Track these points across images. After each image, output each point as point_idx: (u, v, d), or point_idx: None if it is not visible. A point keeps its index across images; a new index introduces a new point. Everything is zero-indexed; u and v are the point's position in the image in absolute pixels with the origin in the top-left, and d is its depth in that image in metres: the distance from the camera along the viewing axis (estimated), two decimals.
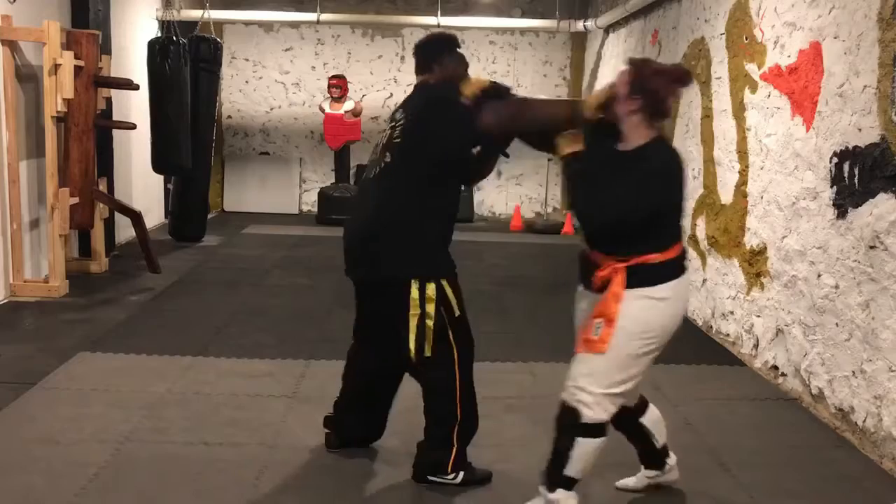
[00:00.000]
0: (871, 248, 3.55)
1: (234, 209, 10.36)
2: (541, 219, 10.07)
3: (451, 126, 3.07)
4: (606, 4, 8.69)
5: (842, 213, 3.82)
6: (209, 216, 8.77)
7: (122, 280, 6.37)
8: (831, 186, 3.92)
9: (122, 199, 7.03)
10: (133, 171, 8.06)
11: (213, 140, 8.37)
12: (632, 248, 2.72)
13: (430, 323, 3.03)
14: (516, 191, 10.65)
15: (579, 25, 9.34)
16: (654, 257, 2.72)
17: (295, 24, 10.14)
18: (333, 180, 10.02)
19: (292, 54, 10.40)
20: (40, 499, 2.94)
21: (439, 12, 9.29)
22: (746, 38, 4.99)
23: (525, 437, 3.63)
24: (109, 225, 6.97)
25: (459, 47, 3.36)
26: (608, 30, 8.86)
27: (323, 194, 9.82)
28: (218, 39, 8.13)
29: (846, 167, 3.79)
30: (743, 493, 3.20)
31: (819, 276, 4.00)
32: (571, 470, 2.78)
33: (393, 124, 3.18)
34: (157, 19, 8.28)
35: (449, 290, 3.07)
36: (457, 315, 3.10)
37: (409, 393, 4.12)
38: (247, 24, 10.14)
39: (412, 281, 3.01)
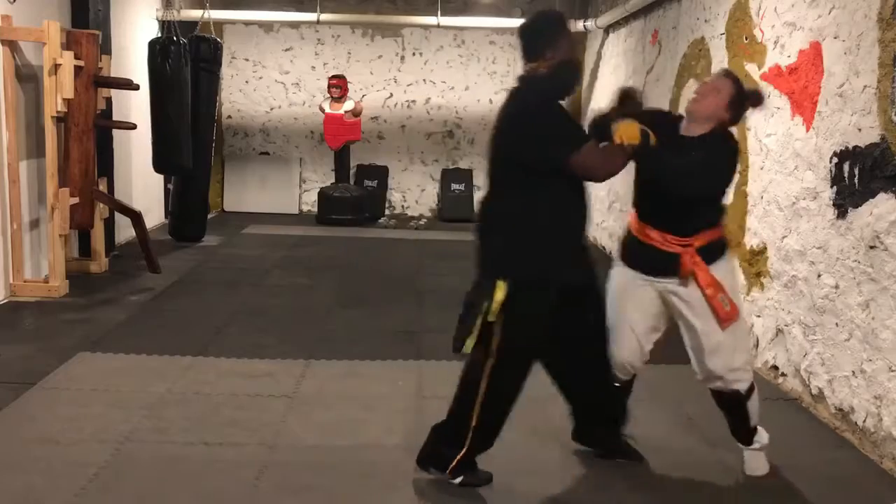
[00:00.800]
0: (871, 248, 3.55)
1: (234, 209, 10.36)
2: None
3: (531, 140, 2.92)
4: (606, 4, 8.68)
5: (842, 213, 3.82)
6: (209, 216, 8.77)
7: (122, 280, 6.37)
8: (831, 186, 3.92)
9: (122, 199, 7.03)
10: (133, 171, 8.06)
11: (213, 140, 8.37)
12: (699, 222, 3.06)
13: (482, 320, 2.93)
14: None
15: (579, 25, 9.33)
16: (716, 234, 3.10)
17: (295, 24, 10.14)
18: (333, 180, 10.02)
19: (292, 54, 10.40)
20: (40, 499, 2.94)
21: (439, 12, 9.28)
22: (746, 38, 4.99)
23: (526, 437, 3.62)
24: (109, 225, 6.96)
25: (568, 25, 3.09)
26: (608, 30, 8.86)
27: (323, 194, 9.82)
28: (218, 39, 8.13)
29: (846, 167, 3.79)
30: (743, 493, 3.20)
31: (819, 276, 4.00)
32: (754, 421, 3.26)
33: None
34: (157, 19, 8.27)
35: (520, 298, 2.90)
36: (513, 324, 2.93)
37: (409, 393, 4.13)
38: (247, 24, 10.13)
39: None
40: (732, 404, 3.22)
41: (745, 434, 3.29)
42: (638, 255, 3.16)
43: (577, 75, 3.07)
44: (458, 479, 3.09)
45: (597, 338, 3.23)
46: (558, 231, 2.99)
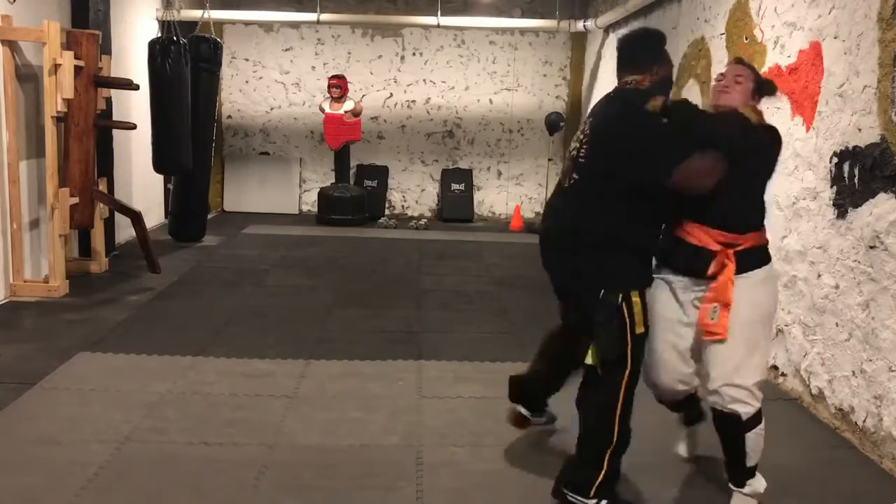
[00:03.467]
0: (871, 248, 3.55)
1: (234, 209, 10.36)
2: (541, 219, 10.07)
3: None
4: (606, 4, 8.69)
5: (842, 213, 3.82)
6: (209, 216, 8.77)
7: (122, 280, 6.37)
8: (831, 186, 3.92)
9: (122, 199, 7.02)
10: (133, 171, 8.06)
11: (213, 140, 8.36)
12: (741, 221, 2.87)
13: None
14: (516, 191, 10.65)
15: (579, 25, 9.33)
16: (755, 241, 2.88)
17: (295, 24, 10.14)
18: (333, 180, 10.02)
19: (292, 54, 10.40)
20: (40, 499, 2.94)
21: (439, 12, 9.29)
22: (746, 38, 4.99)
23: (527, 437, 3.62)
24: (109, 225, 6.96)
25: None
26: (608, 30, 8.86)
27: (323, 194, 9.82)
28: (218, 39, 8.12)
29: (846, 167, 3.79)
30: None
31: (819, 276, 4.00)
32: (752, 461, 2.93)
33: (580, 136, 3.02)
34: (157, 19, 8.27)
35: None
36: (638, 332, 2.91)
37: (409, 393, 4.13)
38: (247, 24, 10.14)
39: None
40: (728, 430, 2.91)
41: (738, 473, 2.96)
42: (673, 253, 2.99)
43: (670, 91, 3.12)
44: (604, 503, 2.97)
45: None
46: (652, 240, 3.03)
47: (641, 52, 3.06)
